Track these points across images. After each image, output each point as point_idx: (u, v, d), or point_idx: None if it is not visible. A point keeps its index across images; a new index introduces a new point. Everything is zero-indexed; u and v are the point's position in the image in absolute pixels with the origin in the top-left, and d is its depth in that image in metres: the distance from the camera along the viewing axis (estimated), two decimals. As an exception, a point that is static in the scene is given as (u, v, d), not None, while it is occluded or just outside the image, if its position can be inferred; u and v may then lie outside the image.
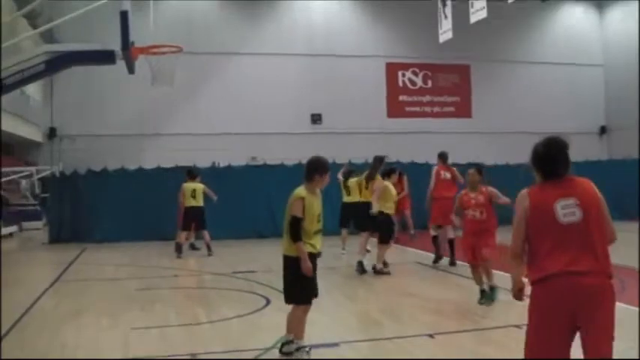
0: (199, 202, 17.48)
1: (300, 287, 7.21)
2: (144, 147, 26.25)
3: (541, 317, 4.57)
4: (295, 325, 7.32)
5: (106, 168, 22.83)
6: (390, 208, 13.65)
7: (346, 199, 16.72)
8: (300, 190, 7.20)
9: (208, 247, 17.60)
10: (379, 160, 14.65)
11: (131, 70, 13.57)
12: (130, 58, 12.99)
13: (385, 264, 13.78)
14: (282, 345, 7.33)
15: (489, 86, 31.48)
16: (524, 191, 4.84)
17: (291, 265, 7.17)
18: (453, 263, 14.50)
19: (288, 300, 7.35)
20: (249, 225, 22.06)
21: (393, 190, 13.89)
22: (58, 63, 12.41)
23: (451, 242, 14.62)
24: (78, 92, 26.21)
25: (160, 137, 26.90)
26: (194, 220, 17.59)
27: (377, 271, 13.64)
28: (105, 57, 12.19)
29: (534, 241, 4.68)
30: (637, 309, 9.55)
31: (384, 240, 13.73)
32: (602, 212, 4.76)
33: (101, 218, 21.75)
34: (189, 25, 27.43)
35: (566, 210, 4.62)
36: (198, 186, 17.58)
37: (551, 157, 4.84)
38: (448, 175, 14.98)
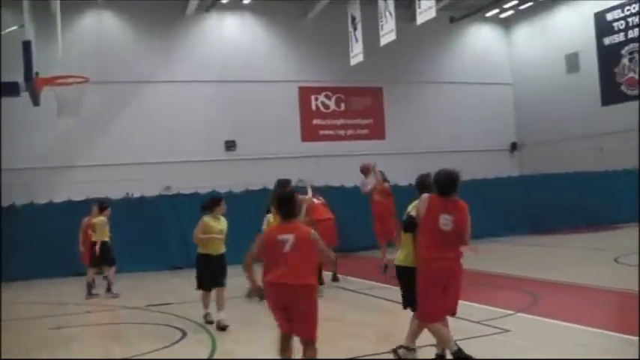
0: (98, 235, 16.21)
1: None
2: (54, 180, 25.58)
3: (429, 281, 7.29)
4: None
5: (14, 203, 22.15)
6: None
7: None
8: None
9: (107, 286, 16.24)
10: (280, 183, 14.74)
11: (36, 102, 13.18)
12: (35, 90, 12.59)
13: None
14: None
15: (402, 107, 31.83)
16: (426, 195, 7.51)
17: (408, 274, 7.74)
18: (335, 279, 16.01)
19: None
20: (163, 256, 21.64)
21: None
22: (-41, 97, 11.97)
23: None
24: (-17, 125, 25.47)
25: (72, 169, 26.27)
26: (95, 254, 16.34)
27: None
28: (8, 89, 11.80)
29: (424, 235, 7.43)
30: (547, 320, 9.76)
31: None
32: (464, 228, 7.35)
33: (11, 256, 21.04)
34: (100, 54, 26.97)
35: (445, 222, 7.28)
36: (97, 219, 16.40)
37: (450, 183, 7.37)
38: (321, 199, 16.68)
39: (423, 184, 7.98)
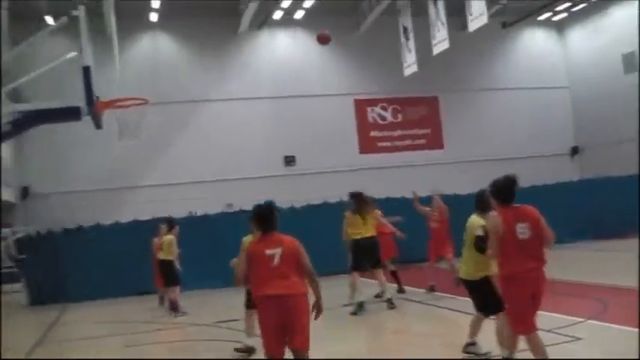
0: (164, 255, 16.31)
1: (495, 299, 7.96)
2: (119, 201, 26.07)
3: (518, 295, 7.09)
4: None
5: (82, 225, 22.63)
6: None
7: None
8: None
9: (172, 306, 16.26)
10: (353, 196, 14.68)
11: (98, 125, 13.47)
12: (96, 114, 12.86)
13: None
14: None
15: (459, 116, 31.67)
16: (494, 214, 7.30)
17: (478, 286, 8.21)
18: (401, 291, 16.03)
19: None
20: (226, 273, 21.72)
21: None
22: (24, 122, 12.32)
23: (394, 273, 16.26)
24: (48, 149, 26.06)
25: (135, 190, 26.72)
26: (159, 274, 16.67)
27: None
28: (70, 114, 12.09)
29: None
30: (618, 327, 9.62)
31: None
32: (542, 228, 7.22)
33: (80, 276, 21.47)
34: (156, 75, 27.42)
35: (522, 230, 7.10)
36: (166, 238, 16.46)
37: (509, 190, 7.24)
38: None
39: (483, 201, 8.10)
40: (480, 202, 8.26)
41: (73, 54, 12.92)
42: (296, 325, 6.65)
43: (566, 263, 18.08)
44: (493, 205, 7.42)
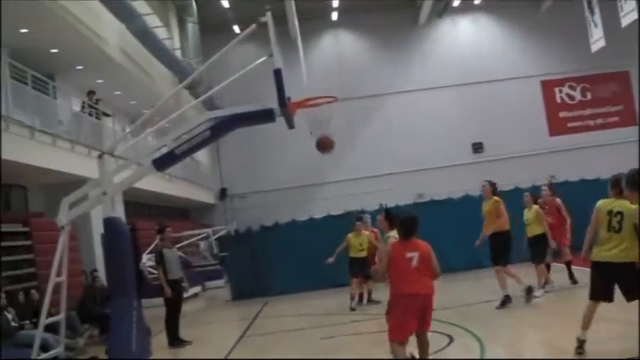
0: (353, 252, 16.76)
1: None
2: (312, 197, 26.83)
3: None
4: None
5: (278, 222, 23.42)
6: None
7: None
8: None
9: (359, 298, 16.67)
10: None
11: (291, 125, 13.86)
12: (289, 114, 13.29)
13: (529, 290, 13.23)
14: None
15: (654, 90, 30.20)
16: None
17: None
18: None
19: None
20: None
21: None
22: (221, 128, 12.80)
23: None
24: (243, 152, 27.22)
25: (327, 185, 27.42)
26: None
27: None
28: (265, 116, 12.46)
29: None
30: None
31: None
32: None
33: (278, 271, 22.25)
34: (341, 72, 28.00)
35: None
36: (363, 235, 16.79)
37: None
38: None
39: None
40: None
41: (262, 59, 13.40)
42: (429, 317, 7.84)
43: None
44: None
